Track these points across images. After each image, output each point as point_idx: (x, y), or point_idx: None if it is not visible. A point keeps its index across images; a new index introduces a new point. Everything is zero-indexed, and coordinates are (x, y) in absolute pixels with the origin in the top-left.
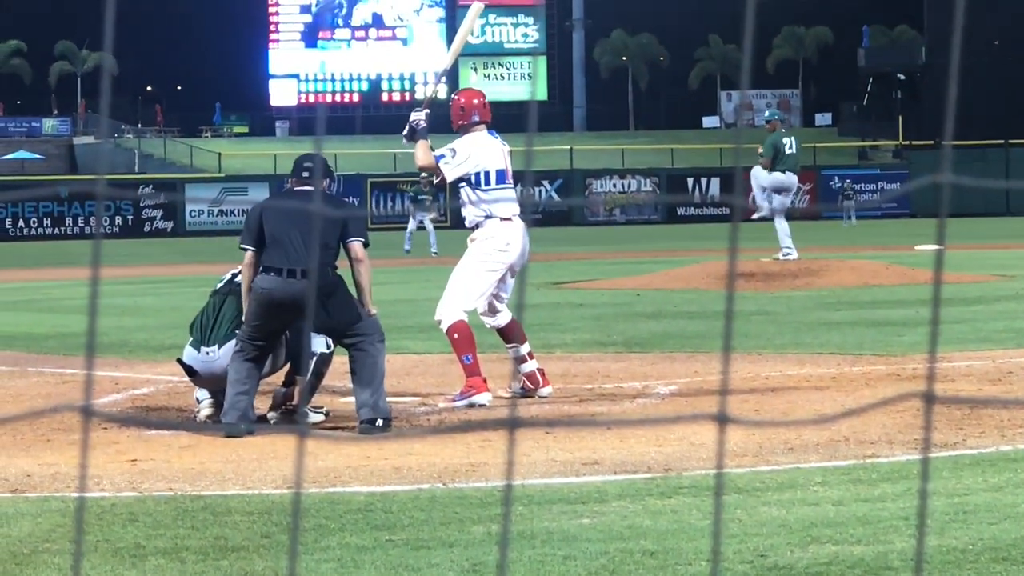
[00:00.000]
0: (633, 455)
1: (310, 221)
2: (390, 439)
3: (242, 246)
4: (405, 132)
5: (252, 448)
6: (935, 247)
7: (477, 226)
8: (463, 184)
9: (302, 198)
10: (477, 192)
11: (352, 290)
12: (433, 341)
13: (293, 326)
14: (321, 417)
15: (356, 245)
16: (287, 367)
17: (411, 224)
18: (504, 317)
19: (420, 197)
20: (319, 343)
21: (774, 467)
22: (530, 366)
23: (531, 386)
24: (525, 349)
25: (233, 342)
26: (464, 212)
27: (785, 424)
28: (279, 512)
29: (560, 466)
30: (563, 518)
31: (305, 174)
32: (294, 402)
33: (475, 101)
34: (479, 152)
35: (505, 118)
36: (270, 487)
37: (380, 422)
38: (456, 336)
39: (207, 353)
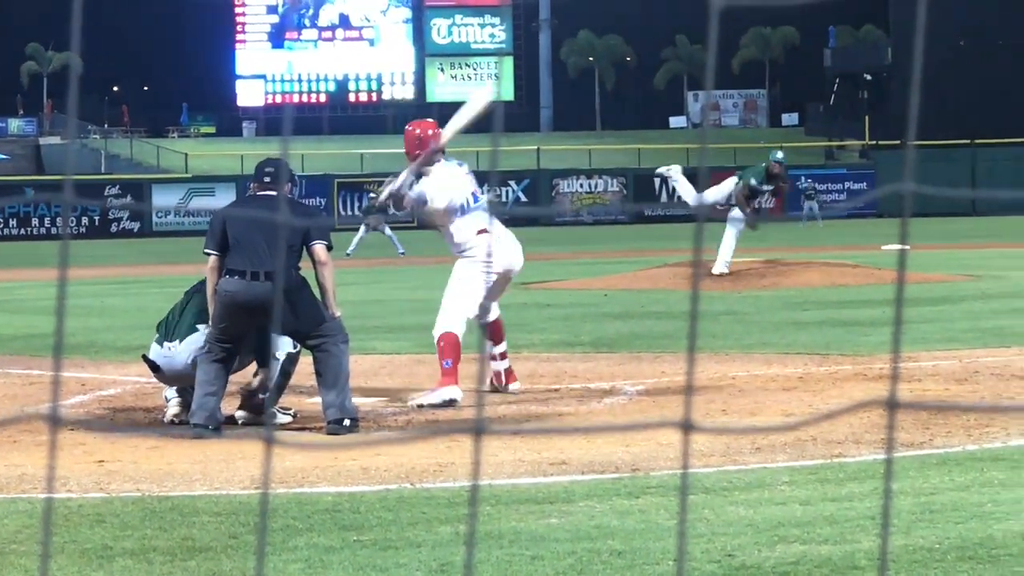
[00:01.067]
0: (600, 455)
1: (273, 225)
2: (357, 439)
3: (206, 251)
4: (384, 199)
5: (219, 449)
6: (901, 247)
7: (467, 249)
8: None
9: (265, 202)
10: (461, 220)
11: (316, 292)
12: (401, 342)
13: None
14: (289, 418)
15: (319, 248)
16: (253, 365)
17: (361, 231)
18: (492, 314)
19: (371, 213)
20: (286, 343)
21: (741, 467)
22: (497, 366)
23: (496, 383)
24: (498, 349)
25: (194, 337)
26: (449, 240)
27: (749, 432)
28: (246, 513)
29: (527, 466)
30: (531, 518)
31: (267, 179)
32: (253, 387)
33: (431, 132)
34: (449, 189)
35: None
36: (237, 488)
37: (347, 422)
38: (443, 344)
39: (169, 348)
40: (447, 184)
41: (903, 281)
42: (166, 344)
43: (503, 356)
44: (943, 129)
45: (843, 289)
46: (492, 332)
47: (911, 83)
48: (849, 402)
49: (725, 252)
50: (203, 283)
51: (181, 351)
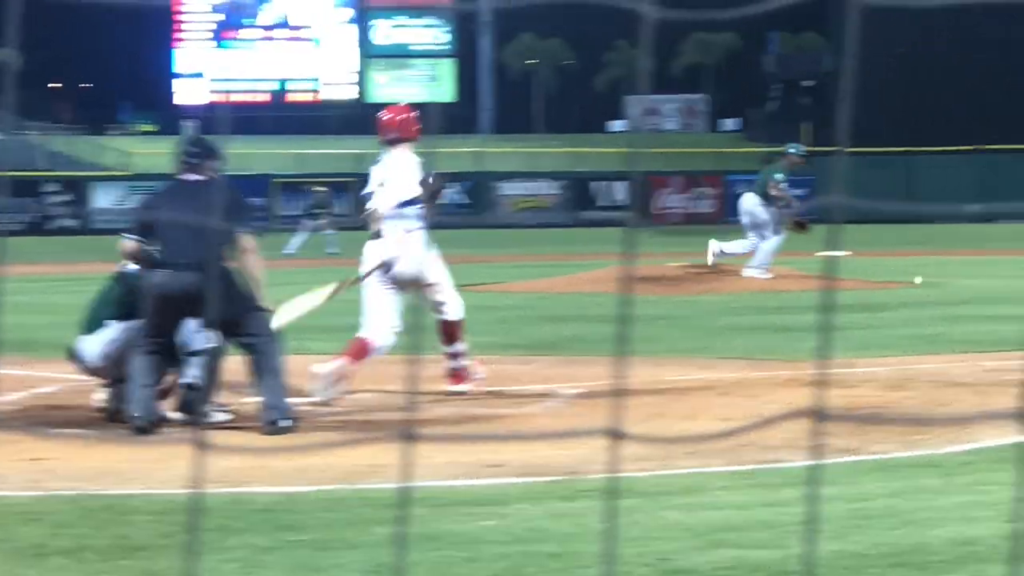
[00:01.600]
0: (536, 458)
1: (200, 213)
2: (294, 439)
3: (126, 235)
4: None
5: (156, 448)
6: (840, 253)
7: None
8: None
9: (192, 189)
10: None
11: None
12: (337, 343)
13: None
14: (226, 416)
15: (245, 236)
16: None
17: (305, 232)
18: (445, 313)
19: (315, 212)
20: (201, 339)
21: (677, 471)
22: (449, 363)
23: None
24: (447, 349)
25: (98, 334)
26: None
27: (678, 441)
28: (182, 512)
29: (463, 468)
30: (466, 520)
31: (194, 160)
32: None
33: (405, 116)
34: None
35: None
36: (173, 487)
37: (283, 422)
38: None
39: (80, 341)
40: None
41: (832, 289)
42: (79, 338)
43: (453, 356)
44: (882, 136)
45: (781, 294)
46: (442, 331)
47: (841, 93)
48: (784, 408)
49: (733, 247)
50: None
51: (87, 346)
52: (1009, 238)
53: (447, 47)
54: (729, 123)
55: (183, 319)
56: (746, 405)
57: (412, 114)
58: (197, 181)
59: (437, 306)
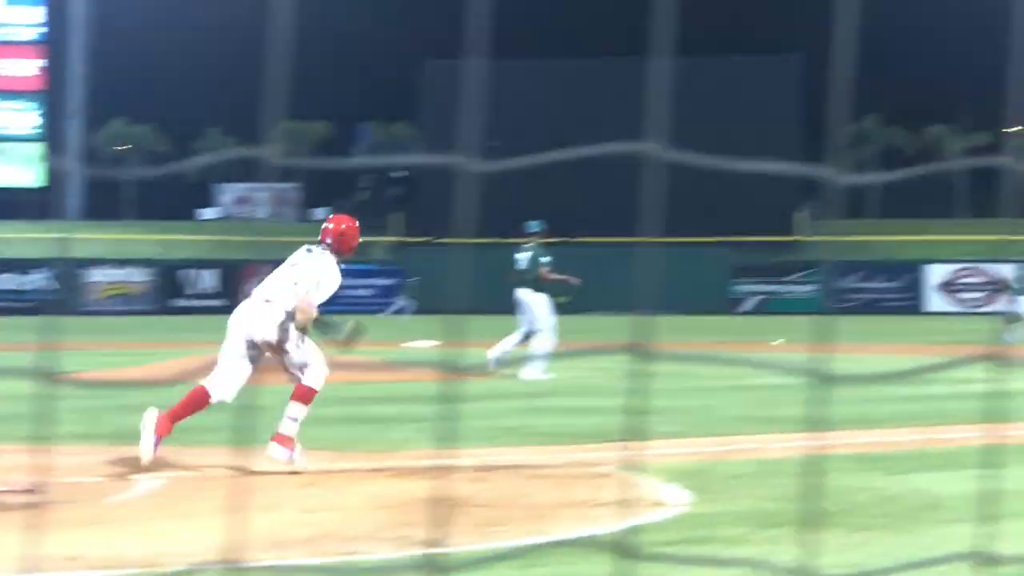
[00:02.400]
0: (114, 549)
1: None
2: None
3: None
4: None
5: None
6: (426, 343)
7: None
8: None
9: None
10: None
11: None
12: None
13: None
14: None
15: None
16: None
17: None
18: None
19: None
20: None
21: (255, 564)
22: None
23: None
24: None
25: None
26: None
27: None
28: None
29: (38, 561)
30: None
31: None
32: None
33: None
34: None
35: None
36: None
37: None
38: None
39: None
40: None
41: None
42: None
43: (293, 420)
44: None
45: (366, 385)
46: (296, 393)
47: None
48: (368, 498)
49: (505, 345)
50: None
51: None
52: (591, 330)
53: (37, 131)
54: (320, 212)
55: None
56: (329, 497)
57: (352, 230)
58: None
59: (300, 368)
